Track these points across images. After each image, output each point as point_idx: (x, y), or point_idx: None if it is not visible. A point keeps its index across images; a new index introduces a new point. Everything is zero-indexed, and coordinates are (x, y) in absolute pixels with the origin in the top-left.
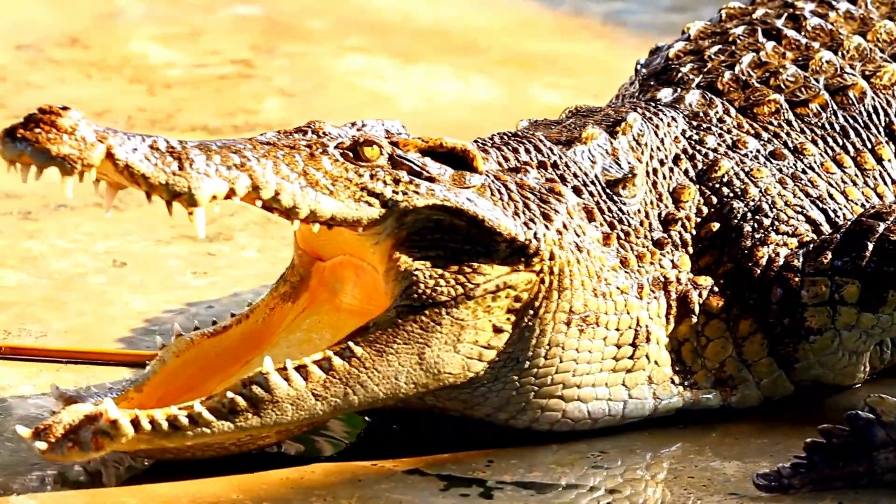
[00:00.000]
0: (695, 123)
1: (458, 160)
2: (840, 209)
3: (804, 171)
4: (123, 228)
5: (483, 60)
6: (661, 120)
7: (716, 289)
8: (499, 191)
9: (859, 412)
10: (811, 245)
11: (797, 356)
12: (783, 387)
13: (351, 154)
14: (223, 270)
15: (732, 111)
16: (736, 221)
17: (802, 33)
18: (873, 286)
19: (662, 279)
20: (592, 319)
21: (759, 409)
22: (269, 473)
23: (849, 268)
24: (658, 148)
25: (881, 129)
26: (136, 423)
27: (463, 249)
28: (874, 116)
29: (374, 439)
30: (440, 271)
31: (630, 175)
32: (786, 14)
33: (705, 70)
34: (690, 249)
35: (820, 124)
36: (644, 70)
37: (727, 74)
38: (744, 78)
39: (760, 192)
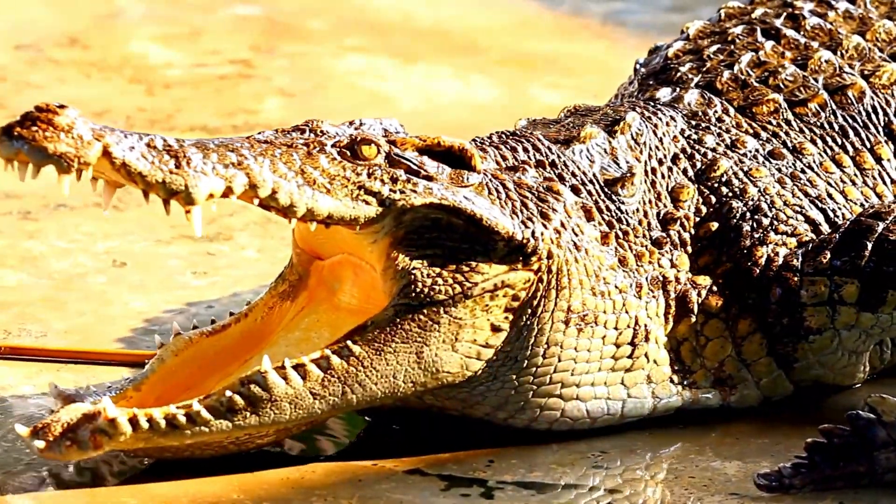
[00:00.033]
0: (693, 123)
1: (456, 159)
2: (839, 209)
3: (803, 171)
4: (123, 228)
5: (483, 60)
6: (660, 119)
7: (715, 288)
8: (496, 189)
9: (860, 412)
10: (810, 245)
11: (796, 356)
12: (782, 386)
13: (348, 153)
14: (223, 270)
15: (731, 110)
16: (735, 221)
17: (801, 33)
18: (872, 286)
19: (661, 278)
20: (591, 318)
21: (760, 409)
22: (269, 473)
23: (848, 267)
24: (657, 147)
25: (880, 129)
26: (134, 421)
27: (461, 248)
28: (873, 116)
29: (375, 439)
30: (438, 270)
31: (628, 174)
32: (785, 14)
33: (704, 69)
34: (689, 249)
35: (819, 124)
36: (643, 69)
37: (726, 74)
38: (743, 77)
39: (759, 191)
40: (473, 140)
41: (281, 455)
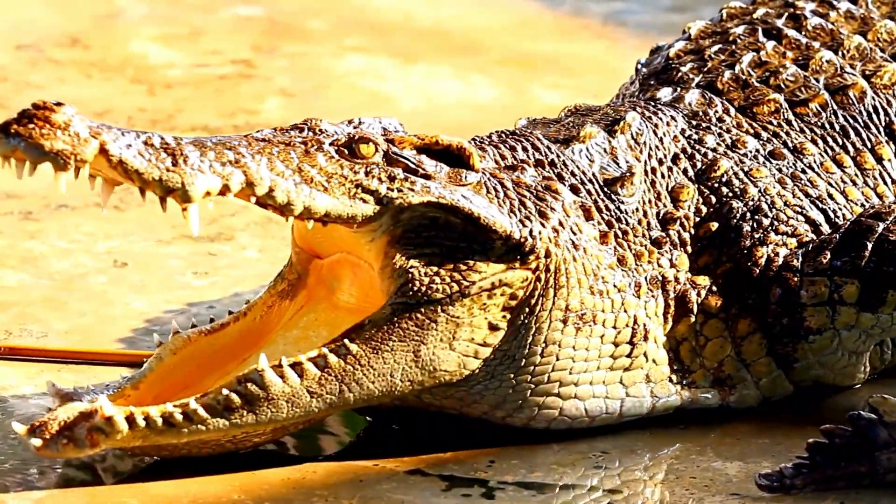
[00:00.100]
0: (694, 123)
1: (455, 158)
2: (840, 209)
3: (804, 171)
4: (124, 228)
5: (483, 60)
6: (661, 119)
7: (714, 288)
8: (495, 188)
9: (861, 412)
10: (810, 245)
11: (796, 356)
12: (782, 387)
13: (346, 151)
14: (224, 270)
15: (732, 110)
16: (735, 221)
17: (803, 33)
18: (872, 286)
19: (660, 278)
20: (589, 317)
21: (760, 410)
22: (270, 473)
23: (848, 268)
24: (657, 147)
25: (881, 129)
26: (130, 419)
27: (458, 247)
28: (874, 116)
29: (375, 439)
30: (435, 269)
31: (628, 174)
32: (786, 14)
33: (705, 69)
34: (689, 249)
35: (820, 124)
36: (644, 69)
37: (727, 74)
38: (744, 77)
39: (760, 191)
40: (473, 139)
41: (282, 455)
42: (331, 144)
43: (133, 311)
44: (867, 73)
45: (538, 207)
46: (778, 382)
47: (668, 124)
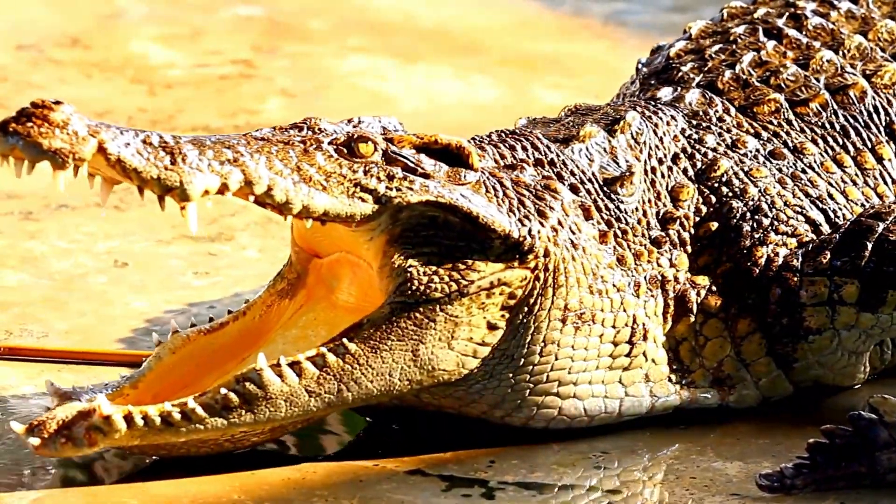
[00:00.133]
0: (694, 122)
1: (454, 157)
2: (840, 209)
3: (804, 171)
4: (124, 228)
5: (484, 61)
6: (661, 119)
7: (714, 288)
8: (494, 187)
9: (862, 412)
10: (810, 245)
11: (796, 356)
12: (782, 387)
13: (345, 150)
14: (224, 270)
15: (732, 110)
16: (735, 221)
17: (803, 32)
18: (872, 286)
19: (660, 277)
20: (588, 316)
21: (760, 410)
22: (270, 474)
23: (848, 268)
24: (657, 147)
25: (882, 129)
26: (128, 418)
27: (457, 246)
28: (875, 116)
29: (376, 440)
30: (434, 268)
31: (628, 173)
32: (787, 13)
33: (706, 69)
34: (689, 248)
35: (820, 124)
36: (645, 69)
37: (727, 73)
38: (744, 77)
39: (760, 191)
40: (472, 139)
41: (282, 455)
42: (330, 143)
43: (133, 312)
44: (868, 72)
45: (537, 206)
46: (777, 382)
47: (668, 124)
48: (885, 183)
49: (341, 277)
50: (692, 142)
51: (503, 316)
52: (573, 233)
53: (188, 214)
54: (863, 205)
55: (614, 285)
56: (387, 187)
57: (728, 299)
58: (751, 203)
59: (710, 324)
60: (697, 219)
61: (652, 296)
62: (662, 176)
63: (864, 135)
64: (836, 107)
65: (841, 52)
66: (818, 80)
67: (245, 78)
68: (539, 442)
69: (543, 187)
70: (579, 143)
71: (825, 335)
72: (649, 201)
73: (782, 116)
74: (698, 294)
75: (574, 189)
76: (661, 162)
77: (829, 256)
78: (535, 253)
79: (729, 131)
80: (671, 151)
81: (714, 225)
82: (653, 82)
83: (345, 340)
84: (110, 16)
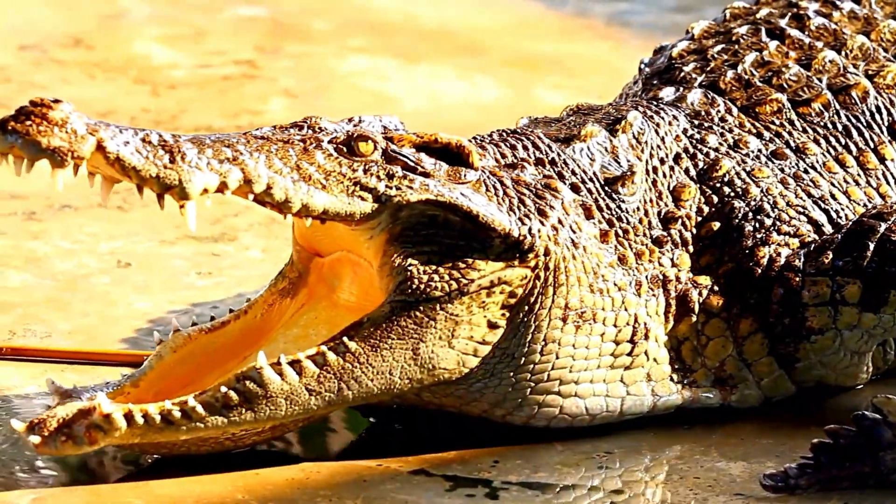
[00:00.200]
0: (696, 122)
1: (454, 156)
2: (842, 209)
3: (806, 171)
4: (128, 229)
5: (487, 61)
6: (662, 118)
7: (716, 288)
8: (494, 187)
9: (866, 412)
10: (812, 245)
11: (798, 356)
12: (784, 387)
13: (345, 149)
14: (227, 271)
15: (734, 110)
16: (737, 221)
17: (806, 33)
18: (874, 286)
19: (661, 277)
20: (589, 315)
21: (764, 410)
22: (274, 474)
23: (850, 268)
24: (658, 146)
25: (884, 129)
26: (129, 417)
27: (457, 245)
28: (877, 116)
29: (379, 439)
30: (434, 267)
31: (629, 173)
32: (790, 14)
33: (708, 69)
34: (691, 248)
35: (822, 124)
36: (647, 69)
37: (730, 73)
38: (746, 77)
39: (762, 191)
40: (473, 138)
41: (286, 455)
42: (329, 142)
43: (136, 312)
44: (870, 72)
45: (537, 206)
46: (780, 382)
47: (669, 124)
48: (888, 183)
49: (342, 276)
50: (694, 142)
51: (504, 315)
52: (574, 232)
53: (187, 213)
54: (865, 205)
55: (615, 284)
56: (387, 186)
57: (730, 299)
58: (753, 203)
59: (711, 323)
60: (699, 219)
61: (653, 295)
62: (664, 176)
63: (867, 135)
64: (838, 107)
65: (843, 53)
66: (820, 80)
67: (248, 78)
68: (542, 442)
69: (544, 186)
70: (580, 142)
71: (827, 335)
72: (651, 201)
73: (784, 116)
74: (700, 294)
75: (575, 188)
76: (662, 162)
77: (831, 256)
78: (536, 252)
79: (731, 131)
80: (673, 151)
81: (716, 225)
82: (655, 82)
83: (345, 339)
84: (113, 16)
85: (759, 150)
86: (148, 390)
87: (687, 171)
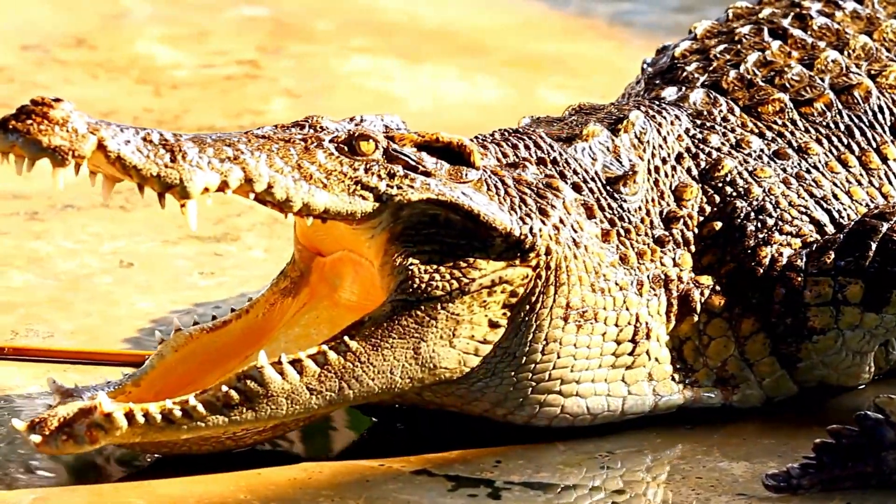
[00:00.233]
0: (698, 122)
1: (456, 155)
2: (845, 209)
3: (808, 171)
4: (130, 229)
5: (489, 61)
6: (664, 118)
7: (718, 288)
8: (495, 186)
9: (868, 412)
10: (814, 245)
11: (800, 356)
12: (786, 387)
13: (346, 148)
14: (230, 271)
15: (737, 110)
16: (739, 221)
17: (808, 33)
18: (876, 286)
19: (663, 277)
20: (590, 315)
21: (766, 410)
22: (276, 474)
23: (852, 268)
24: (660, 146)
25: (886, 129)
26: (130, 416)
27: (458, 244)
28: (879, 116)
29: (381, 439)
30: (435, 266)
31: (631, 172)
32: (792, 13)
33: (710, 69)
34: (692, 248)
35: (825, 123)
36: (650, 69)
37: (732, 73)
38: (749, 77)
39: (764, 191)
40: (475, 137)
41: (288, 455)
42: (331, 141)
43: (139, 312)
44: (873, 72)
45: (539, 205)
46: (781, 382)
47: (671, 123)
48: (890, 183)
49: (344, 276)
50: (696, 141)
51: (505, 314)
52: (575, 231)
53: (188, 212)
54: (867, 205)
55: (617, 284)
56: (388, 185)
57: (732, 299)
58: (755, 203)
59: (713, 323)
60: (701, 218)
61: (655, 295)
62: (666, 175)
63: (869, 135)
64: (840, 107)
65: (846, 52)
66: (823, 79)
67: (250, 78)
68: (544, 442)
69: (545, 185)
70: (582, 141)
71: (829, 335)
72: (652, 200)
73: (787, 116)
74: (702, 293)
75: (576, 188)
76: (664, 161)
77: (833, 256)
78: (537, 251)
79: (733, 131)
80: (675, 151)
81: (718, 224)
82: (658, 82)
83: (346, 338)
84: (115, 16)
85: (762, 150)
86: (149, 389)
87: (689, 170)
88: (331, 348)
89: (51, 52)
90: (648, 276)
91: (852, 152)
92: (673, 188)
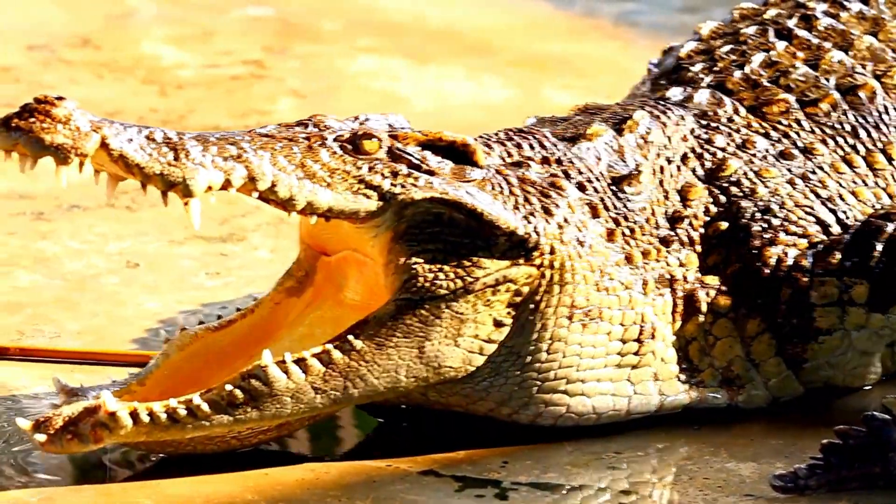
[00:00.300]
0: (704, 122)
1: (459, 154)
2: (850, 209)
3: (814, 172)
4: (136, 229)
5: (495, 61)
6: (669, 118)
7: (723, 288)
8: (499, 185)
9: (875, 413)
10: (820, 245)
11: (806, 356)
12: (791, 387)
13: (350, 147)
14: (236, 271)
15: (742, 110)
16: (744, 221)
17: (814, 33)
18: (882, 287)
19: (668, 277)
20: (595, 314)
21: (773, 410)
22: (284, 474)
23: (858, 268)
24: (665, 146)
25: (892, 129)
26: (134, 415)
27: (462, 243)
28: (885, 116)
29: (388, 440)
30: (439, 265)
31: (635, 172)
32: (798, 14)
33: (716, 69)
34: (698, 248)
35: (830, 124)
36: (655, 70)
37: (737, 74)
38: (754, 77)
39: (769, 192)
40: (480, 136)
41: (295, 456)
42: (334, 140)
43: (146, 312)
44: (878, 73)
45: (543, 204)
46: (787, 383)
47: (677, 124)
48: None
49: (348, 276)
50: (701, 142)
51: (509, 313)
52: (579, 230)
53: (191, 210)
54: (873, 205)
55: (622, 283)
56: (391, 184)
57: (737, 299)
58: (760, 203)
59: (719, 323)
60: (707, 218)
61: (660, 294)
62: (671, 175)
63: (875, 135)
64: (846, 107)
65: (851, 53)
66: (828, 80)
67: (256, 78)
68: (551, 442)
69: (549, 185)
70: (587, 141)
71: (835, 336)
72: (657, 200)
73: (792, 117)
74: (707, 294)
75: (581, 187)
76: (669, 161)
77: (839, 257)
78: (541, 250)
79: (738, 131)
80: (680, 151)
81: (723, 225)
82: (663, 82)
83: (350, 337)
84: (121, 16)
85: (767, 151)
86: (154, 389)
87: (694, 170)
88: (335, 347)
89: (56, 52)
90: (653, 276)
91: (858, 153)
92: (678, 188)
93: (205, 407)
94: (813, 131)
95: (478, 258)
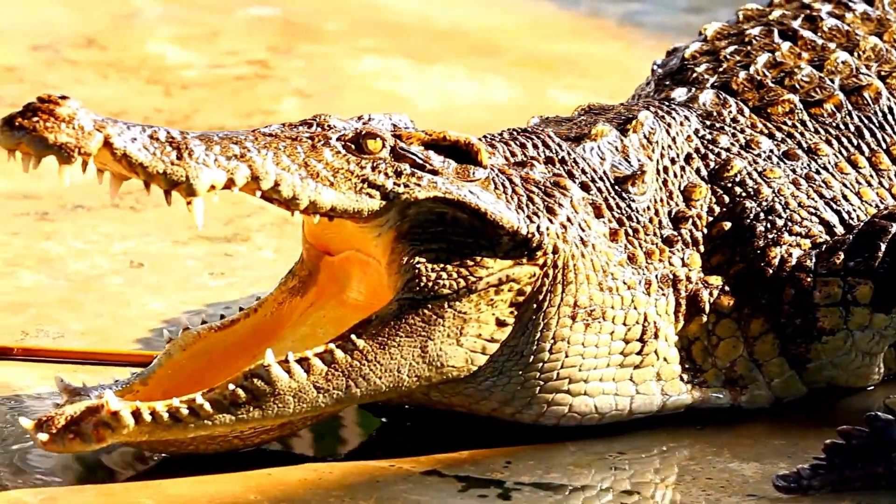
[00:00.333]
0: (708, 123)
1: (463, 154)
2: (854, 210)
3: (818, 172)
4: (140, 229)
5: (500, 61)
6: (674, 119)
7: (727, 288)
8: (503, 184)
9: (878, 413)
10: (824, 246)
11: (809, 356)
12: (795, 387)
13: (353, 146)
14: (240, 271)
15: (746, 111)
16: (748, 221)
17: (819, 34)
18: (886, 287)
19: (671, 276)
20: (598, 314)
21: (776, 410)
22: (287, 474)
23: (861, 268)
24: (669, 146)
25: None
26: (136, 414)
27: (465, 242)
28: (889, 116)
29: (391, 440)
30: (442, 264)
31: (639, 172)
32: (802, 15)
33: (720, 70)
34: (701, 248)
35: (834, 124)
36: (660, 70)
37: (742, 74)
38: (758, 78)
39: (773, 192)
40: (483, 136)
41: (298, 456)
42: (338, 140)
43: (150, 312)
44: (883, 73)
45: (546, 203)
46: (790, 383)
47: (681, 124)
48: None
49: (351, 275)
50: (705, 142)
51: (512, 313)
52: (583, 230)
53: (195, 210)
54: (877, 206)
55: (625, 283)
56: (394, 183)
57: (741, 299)
58: (764, 203)
59: (722, 324)
60: (710, 219)
61: (663, 294)
62: (675, 175)
63: (879, 135)
64: (850, 108)
65: (856, 54)
66: (833, 81)
67: (260, 78)
68: (555, 442)
69: (553, 185)
70: (591, 141)
71: (839, 336)
72: (661, 200)
73: (796, 117)
74: (711, 294)
75: (585, 187)
76: (673, 161)
77: (842, 257)
78: (544, 249)
79: (743, 132)
80: (684, 151)
81: (727, 225)
82: (667, 83)
83: (353, 337)
84: (126, 16)
85: (771, 151)
86: (157, 388)
87: (698, 171)
88: (338, 347)
89: (61, 52)
90: (657, 276)
91: (862, 153)
92: (682, 188)
93: (207, 406)
94: (817, 132)
95: (481, 258)
